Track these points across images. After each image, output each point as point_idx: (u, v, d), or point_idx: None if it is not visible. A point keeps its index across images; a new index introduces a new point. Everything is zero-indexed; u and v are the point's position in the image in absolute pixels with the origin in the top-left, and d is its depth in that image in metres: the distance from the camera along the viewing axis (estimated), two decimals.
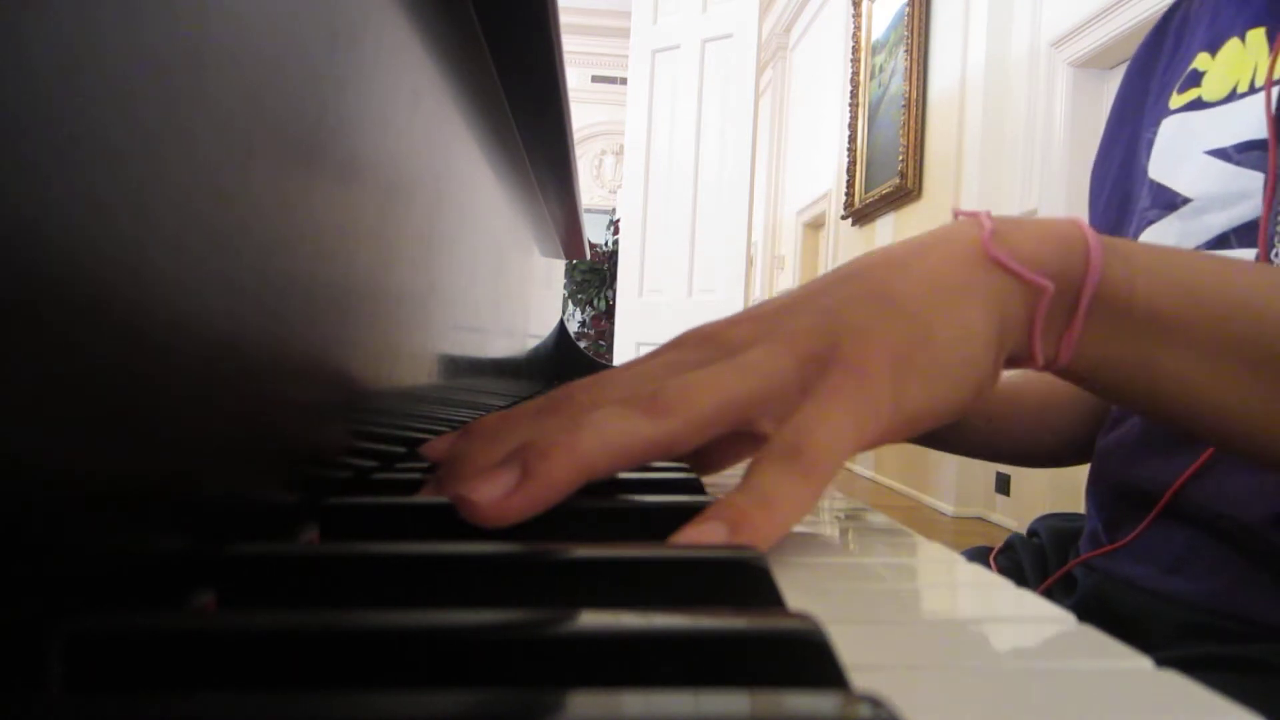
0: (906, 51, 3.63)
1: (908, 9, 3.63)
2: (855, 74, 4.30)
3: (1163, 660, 0.16)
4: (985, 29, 3.08)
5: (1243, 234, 0.46)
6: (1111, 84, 2.67)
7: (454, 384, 0.52)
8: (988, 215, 0.30)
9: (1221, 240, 0.47)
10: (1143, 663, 0.16)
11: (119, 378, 0.16)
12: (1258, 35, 0.48)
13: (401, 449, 0.39)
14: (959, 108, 3.24)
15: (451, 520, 0.24)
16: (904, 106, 3.62)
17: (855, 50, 4.30)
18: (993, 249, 0.28)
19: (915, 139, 3.57)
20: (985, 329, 0.27)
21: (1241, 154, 0.47)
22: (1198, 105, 0.51)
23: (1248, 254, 0.45)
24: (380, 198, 0.34)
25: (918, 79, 3.57)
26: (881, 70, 3.98)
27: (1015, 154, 2.96)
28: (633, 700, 0.12)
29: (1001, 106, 3.05)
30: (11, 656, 0.13)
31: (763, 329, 0.28)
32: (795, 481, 0.24)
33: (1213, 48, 0.52)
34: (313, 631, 0.14)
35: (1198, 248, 0.48)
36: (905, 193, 3.63)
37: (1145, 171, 0.55)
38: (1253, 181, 0.46)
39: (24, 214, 0.13)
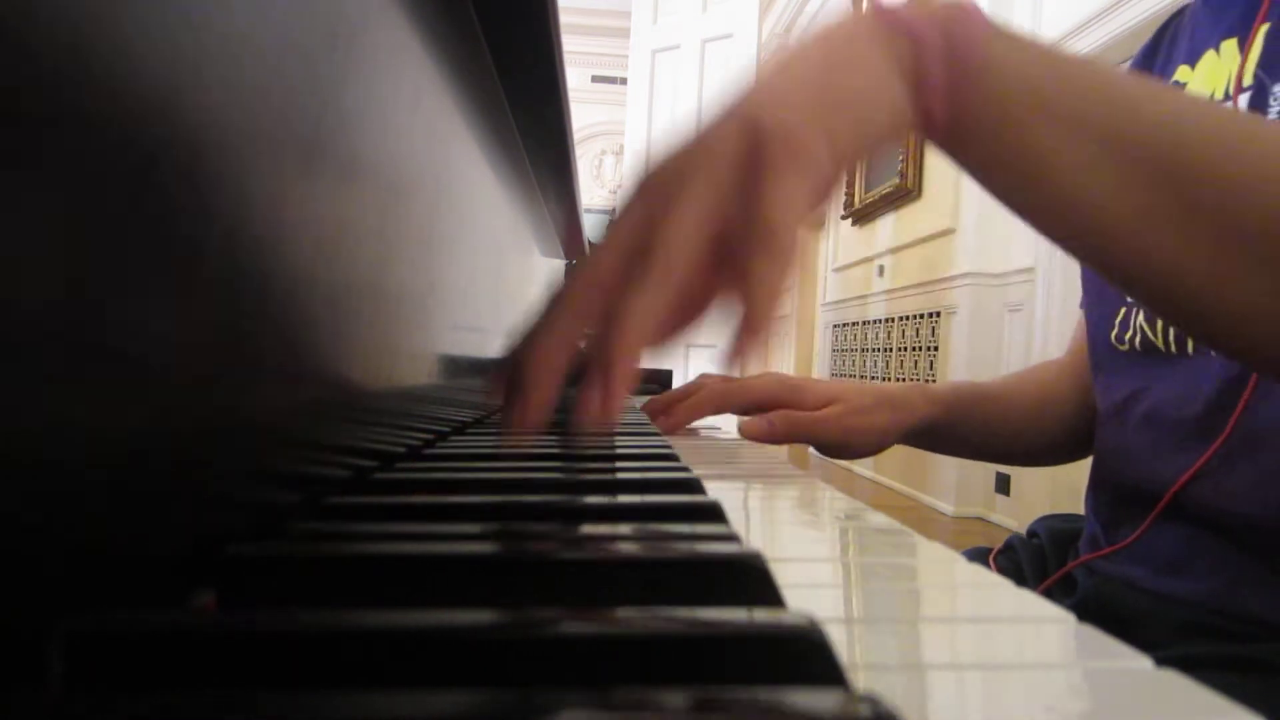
0: None
1: None
2: None
3: (1163, 660, 0.16)
4: None
5: None
6: None
7: (454, 384, 0.52)
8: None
9: None
10: (1143, 662, 0.16)
11: (119, 378, 0.16)
12: (1231, 45, 0.50)
13: (402, 449, 0.39)
14: None
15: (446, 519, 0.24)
16: None
17: None
18: (882, 8, 0.31)
19: (915, 138, 3.56)
20: (883, 65, 0.30)
21: None
22: None
23: None
24: (380, 197, 0.34)
25: None
26: None
27: None
28: (633, 700, 0.12)
29: None
30: (11, 656, 0.13)
31: (698, 153, 0.28)
32: (775, 262, 0.27)
33: (1192, 60, 0.53)
34: (313, 631, 0.14)
35: None
36: (905, 193, 3.63)
37: None
38: None
39: (23, 214, 0.13)
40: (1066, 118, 0.30)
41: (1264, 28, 0.47)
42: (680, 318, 0.29)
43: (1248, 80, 0.47)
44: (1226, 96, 0.49)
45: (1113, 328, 0.56)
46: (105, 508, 0.16)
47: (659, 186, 0.28)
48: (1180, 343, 0.50)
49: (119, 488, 0.16)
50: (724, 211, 0.27)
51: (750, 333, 0.26)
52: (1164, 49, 0.60)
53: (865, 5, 0.31)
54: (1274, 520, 0.43)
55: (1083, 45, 2.59)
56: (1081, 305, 0.66)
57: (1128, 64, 0.63)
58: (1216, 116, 0.30)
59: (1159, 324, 0.52)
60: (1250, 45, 0.47)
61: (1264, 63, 0.47)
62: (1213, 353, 0.47)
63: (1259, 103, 0.46)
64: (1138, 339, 0.53)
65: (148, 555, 0.17)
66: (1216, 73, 0.50)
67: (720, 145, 0.28)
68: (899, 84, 0.30)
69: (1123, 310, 0.55)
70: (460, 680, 0.14)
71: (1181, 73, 0.54)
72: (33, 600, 0.14)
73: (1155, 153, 0.29)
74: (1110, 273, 0.33)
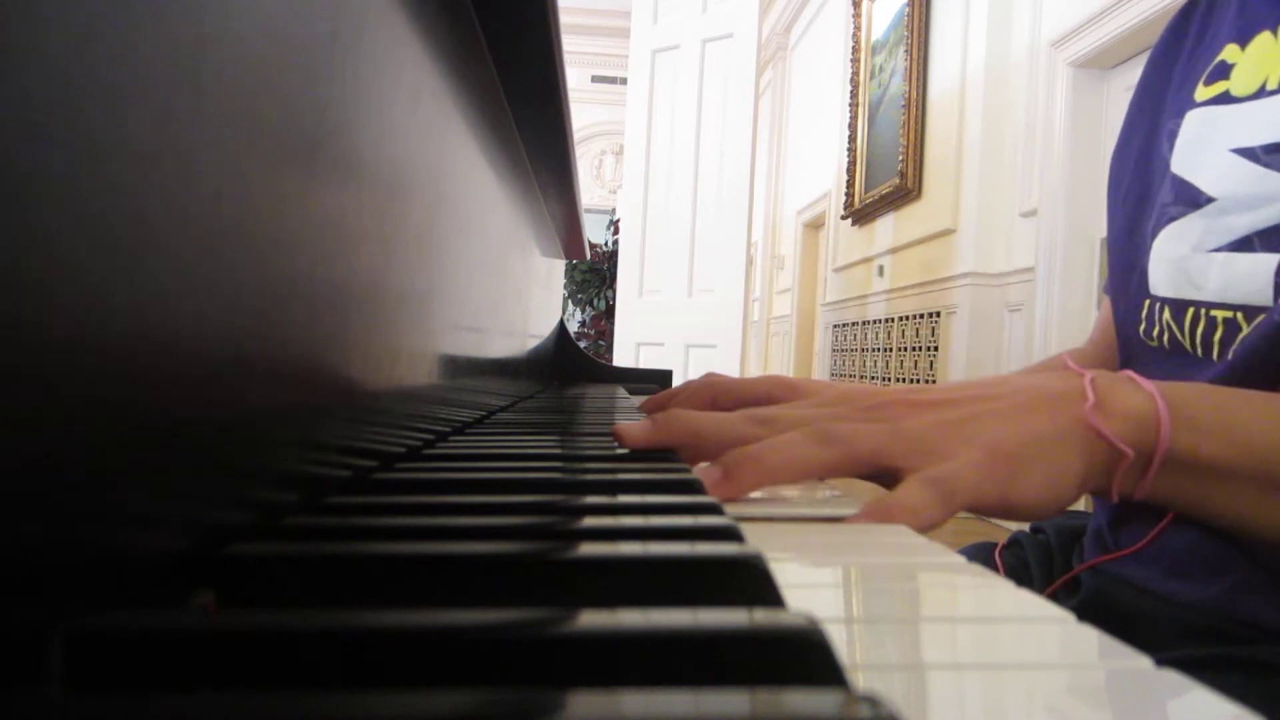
0: (906, 51, 3.63)
1: (908, 9, 3.63)
2: (855, 74, 4.30)
3: (1165, 661, 0.16)
4: (985, 29, 3.08)
5: (1266, 237, 0.45)
6: (1112, 84, 2.67)
7: (454, 384, 0.52)
8: (1092, 384, 0.37)
9: (1245, 242, 0.46)
10: (1143, 662, 0.16)
11: (119, 378, 0.16)
12: None
13: (402, 449, 0.39)
14: (959, 108, 3.24)
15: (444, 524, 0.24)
16: (904, 106, 3.62)
17: (855, 50, 4.30)
18: (1093, 420, 0.36)
19: (915, 139, 3.57)
20: (1074, 470, 0.36)
21: (1270, 155, 0.46)
22: (1225, 99, 0.50)
23: (1270, 258, 0.44)
24: (380, 198, 0.34)
25: (918, 79, 3.57)
26: (881, 70, 3.98)
27: (1015, 154, 2.96)
28: (633, 700, 0.12)
29: (1001, 106, 3.05)
30: (11, 656, 0.13)
31: (916, 412, 0.37)
32: (935, 499, 0.33)
33: (1242, 39, 0.50)
34: (313, 631, 0.14)
35: (1219, 248, 0.47)
36: (905, 193, 3.63)
37: (1167, 164, 0.53)
38: None
39: (23, 214, 0.13)
40: (1248, 485, 0.37)
41: None
42: (793, 479, 0.35)
43: None
44: None
45: (1140, 321, 0.53)
46: (105, 508, 0.16)
47: (876, 410, 0.38)
48: (1206, 345, 0.48)
49: (119, 487, 0.16)
50: (904, 454, 0.35)
51: (884, 516, 0.32)
52: (1197, 23, 0.56)
53: (1079, 403, 0.37)
54: None
55: (1083, 45, 2.59)
56: (1105, 290, 0.64)
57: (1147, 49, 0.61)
58: None
59: (1186, 324, 0.49)
60: None
61: None
62: (1231, 357, 0.46)
63: None
64: (1166, 336, 0.51)
65: (148, 555, 0.17)
66: (1272, 56, 0.47)
67: (939, 420, 0.36)
68: (1079, 485, 0.36)
69: (1146, 303, 0.53)
70: (460, 680, 0.14)
71: (1229, 52, 0.50)
72: (33, 600, 0.14)
73: None
74: (1253, 543, 0.41)
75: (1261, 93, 0.47)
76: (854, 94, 4.31)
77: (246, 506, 0.22)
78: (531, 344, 1.00)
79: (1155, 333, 0.52)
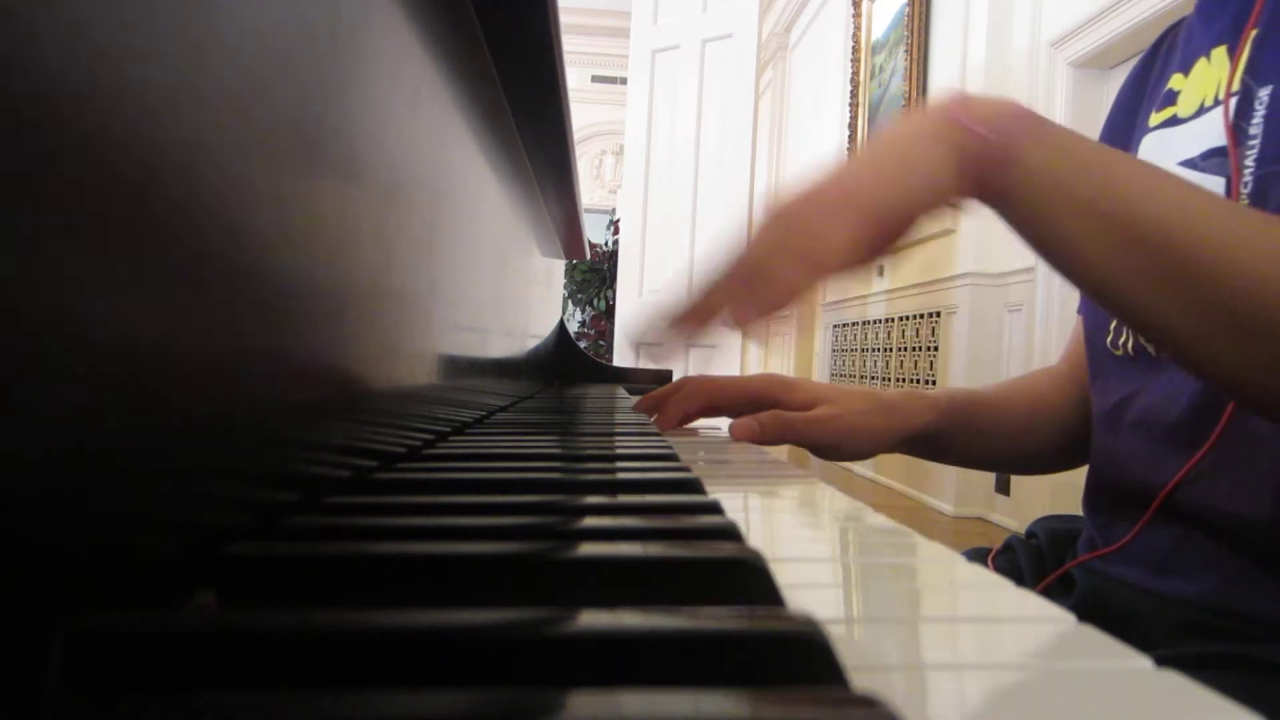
0: (906, 51, 3.63)
1: (908, 9, 3.63)
2: (855, 74, 4.30)
3: (1163, 659, 0.16)
4: (985, 29, 3.08)
5: None
6: (1112, 84, 2.67)
7: (454, 384, 0.52)
8: (961, 95, 0.41)
9: None
10: (1143, 662, 0.16)
11: (119, 378, 0.16)
12: (1220, 53, 0.52)
13: (402, 449, 0.39)
14: None
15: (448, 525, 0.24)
16: (904, 106, 3.62)
17: (855, 50, 4.30)
18: (957, 114, 0.40)
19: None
20: (944, 159, 0.39)
21: (1206, 161, 0.50)
22: (1173, 122, 0.55)
23: None
24: (380, 197, 0.34)
25: (918, 79, 3.57)
26: (881, 70, 3.98)
27: None
28: (633, 700, 0.12)
29: None
30: (11, 656, 0.13)
31: (809, 209, 0.40)
32: (804, 267, 0.39)
33: (1185, 68, 0.55)
34: (313, 631, 0.14)
35: None
36: None
37: None
38: (1216, 186, 0.49)
39: (23, 212, 0.13)
40: (1078, 203, 0.38)
41: (1253, 34, 0.49)
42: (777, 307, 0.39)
43: (1235, 86, 0.49)
44: (1216, 102, 0.50)
45: (1108, 332, 0.56)
46: (105, 508, 0.16)
47: (796, 212, 0.40)
48: None
49: (119, 488, 0.16)
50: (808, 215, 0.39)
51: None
52: (1160, 59, 0.61)
53: (945, 99, 0.40)
54: (1266, 521, 0.43)
55: (1083, 45, 2.59)
56: (1079, 311, 0.66)
57: (1129, 66, 0.64)
58: (1204, 209, 0.37)
59: None
60: (1240, 52, 0.49)
61: (1250, 68, 0.48)
62: None
63: (1245, 107, 0.48)
64: (1130, 343, 0.54)
65: (148, 555, 0.17)
66: (1207, 79, 0.52)
67: (819, 184, 0.40)
68: (954, 173, 0.39)
69: None
70: (460, 680, 0.14)
71: (1175, 80, 0.56)
72: (33, 600, 0.14)
73: (1145, 237, 0.37)
74: (1112, 315, 0.40)
75: (1200, 111, 0.52)
76: (854, 94, 4.31)
77: (246, 506, 0.22)
78: (531, 344, 1.00)
79: (1121, 340, 0.55)
